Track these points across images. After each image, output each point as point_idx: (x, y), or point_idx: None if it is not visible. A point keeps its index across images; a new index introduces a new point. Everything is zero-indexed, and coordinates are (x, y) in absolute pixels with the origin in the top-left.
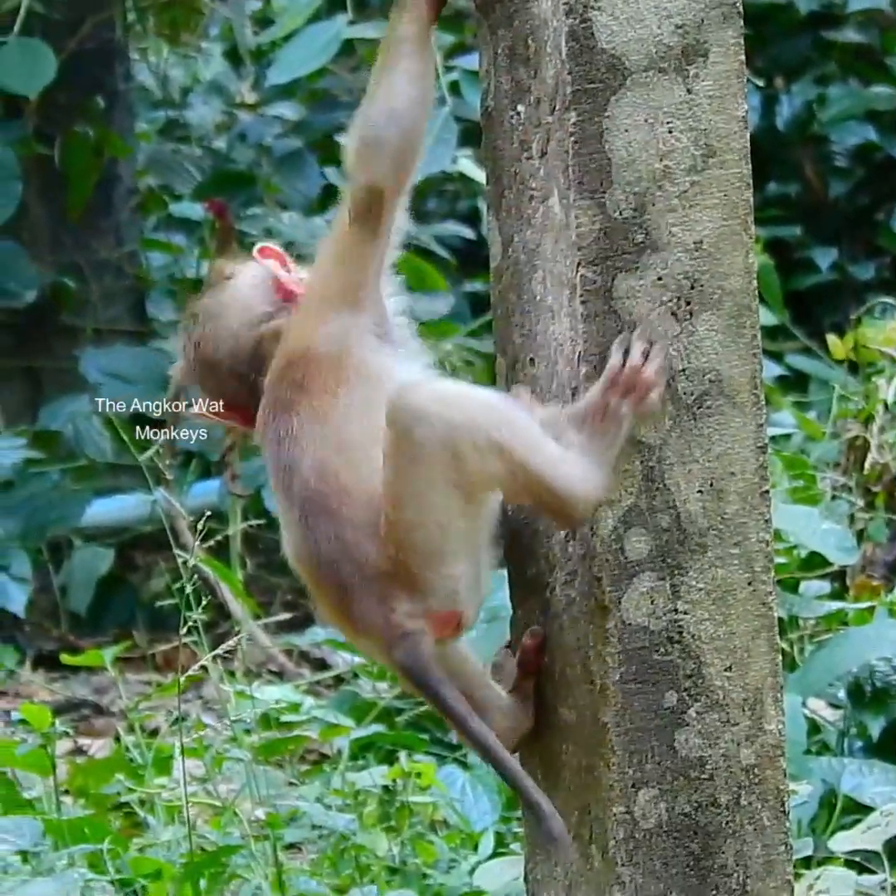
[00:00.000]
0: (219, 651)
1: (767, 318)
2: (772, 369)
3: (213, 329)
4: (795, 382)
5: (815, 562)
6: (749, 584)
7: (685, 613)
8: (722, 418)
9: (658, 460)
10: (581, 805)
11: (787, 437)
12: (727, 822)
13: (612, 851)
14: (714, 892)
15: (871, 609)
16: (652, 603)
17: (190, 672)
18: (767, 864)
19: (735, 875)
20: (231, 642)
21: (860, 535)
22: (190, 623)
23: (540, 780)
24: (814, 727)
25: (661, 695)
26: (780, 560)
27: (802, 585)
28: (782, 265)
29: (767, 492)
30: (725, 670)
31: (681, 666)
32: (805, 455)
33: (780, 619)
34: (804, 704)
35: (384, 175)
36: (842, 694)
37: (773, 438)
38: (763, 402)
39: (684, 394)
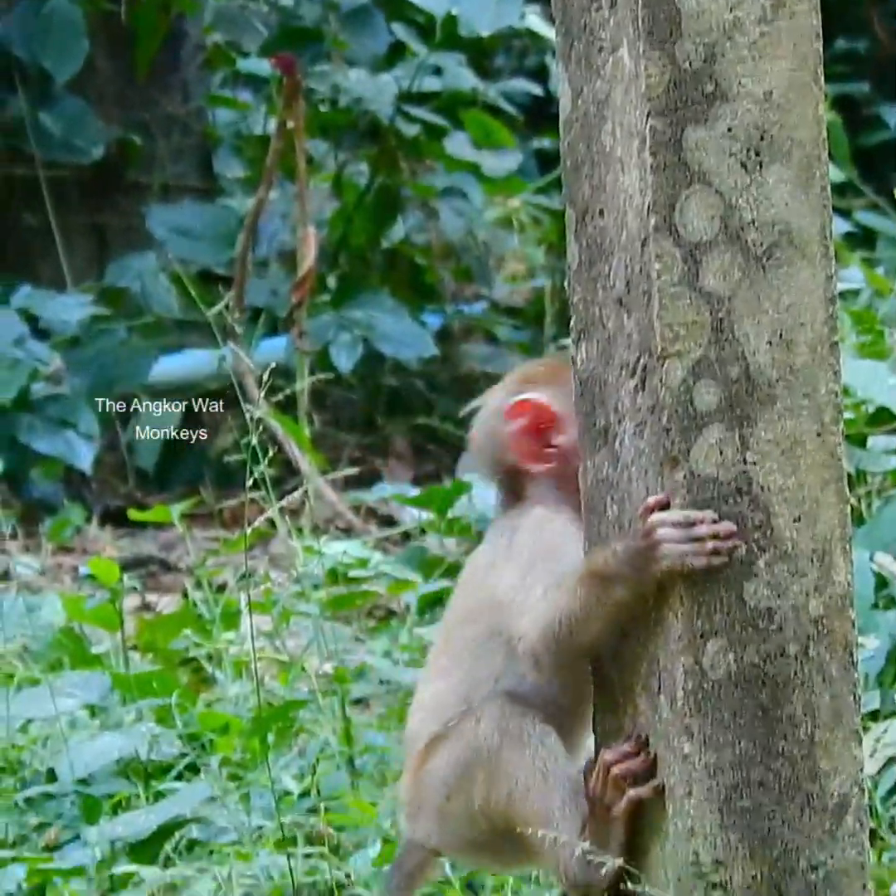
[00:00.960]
0: (284, 502)
1: (835, 174)
2: (840, 226)
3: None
4: (864, 239)
5: (882, 417)
6: (818, 435)
7: (754, 464)
8: (791, 269)
9: (727, 311)
10: (649, 656)
11: (856, 293)
12: (795, 673)
13: (681, 702)
14: (782, 743)
15: None
16: (721, 454)
17: (256, 526)
18: (835, 715)
19: (803, 725)
20: (297, 494)
21: None
22: (256, 476)
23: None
24: (881, 582)
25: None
26: (847, 415)
27: (870, 440)
28: (850, 122)
29: (836, 343)
30: (794, 521)
31: (749, 517)
32: (873, 311)
33: (848, 474)
34: (872, 559)
35: None
36: None
37: (841, 294)
38: (832, 254)
39: (754, 245)
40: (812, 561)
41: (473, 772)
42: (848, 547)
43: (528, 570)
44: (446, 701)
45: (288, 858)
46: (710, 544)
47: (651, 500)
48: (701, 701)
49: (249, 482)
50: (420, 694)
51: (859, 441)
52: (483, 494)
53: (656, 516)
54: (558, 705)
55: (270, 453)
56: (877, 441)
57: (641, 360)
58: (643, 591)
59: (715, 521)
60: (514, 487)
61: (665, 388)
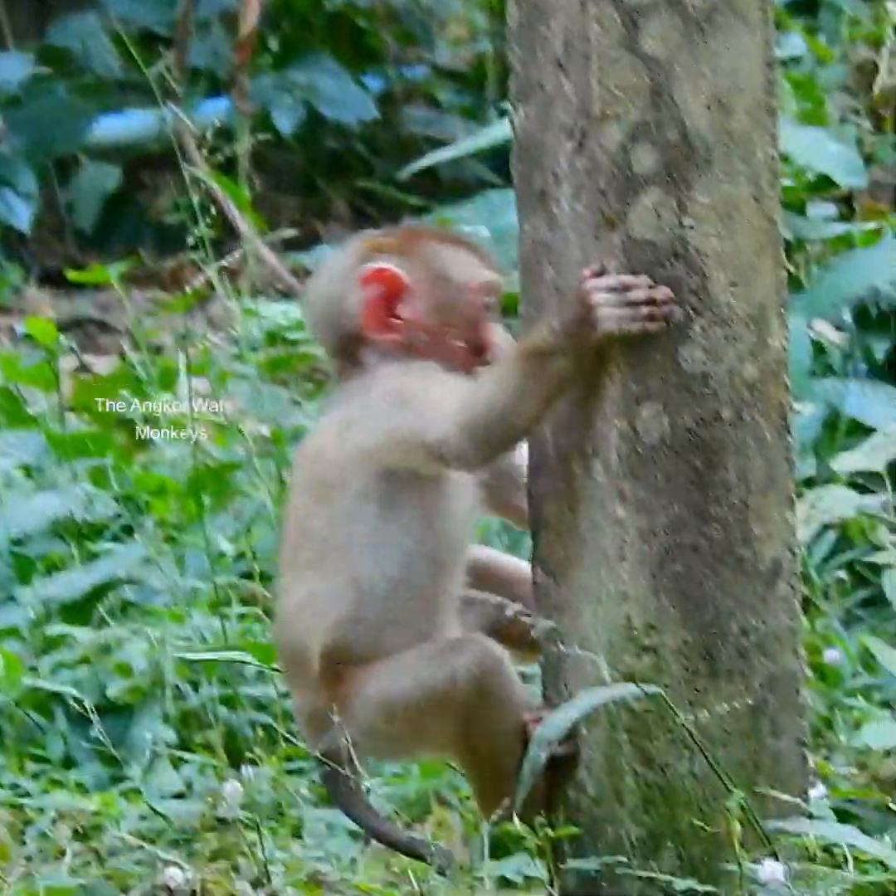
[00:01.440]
0: (224, 262)
1: None
2: None
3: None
4: (806, 6)
5: (822, 185)
6: (755, 200)
7: (691, 228)
8: (730, 34)
9: (666, 75)
10: (584, 420)
11: (797, 60)
12: (729, 438)
13: (615, 466)
14: (715, 507)
15: (878, 232)
16: (658, 218)
17: (195, 288)
18: (769, 481)
19: (736, 490)
20: (236, 254)
21: (868, 159)
22: (195, 237)
23: (545, 440)
24: (819, 349)
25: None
26: (787, 182)
27: (810, 208)
28: None
29: (775, 108)
30: (730, 285)
31: (686, 281)
32: (814, 78)
33: (787, 242)
34: (810, 327)
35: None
36: (847, 317)
37: (782, 62)
38: (772, 19)
39: (693, 9)
40: (748, 326)
41: (438, 709)
42: (783, 312)
43: (417, 395)
44: (339, 598)
45: (221, 620)
46: (645, 309)
47: (587, 269)
48: (635, 465)
49: (189, 242)
50: (292, 594)
51: (799, 208)
52: None
53: (592, 282)
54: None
55: (210, 215)
56: (816, 208)
57: (579, 123)
58: (582, 362)
59: (651, 287)
60: (352, 356)
61: (603, 151)
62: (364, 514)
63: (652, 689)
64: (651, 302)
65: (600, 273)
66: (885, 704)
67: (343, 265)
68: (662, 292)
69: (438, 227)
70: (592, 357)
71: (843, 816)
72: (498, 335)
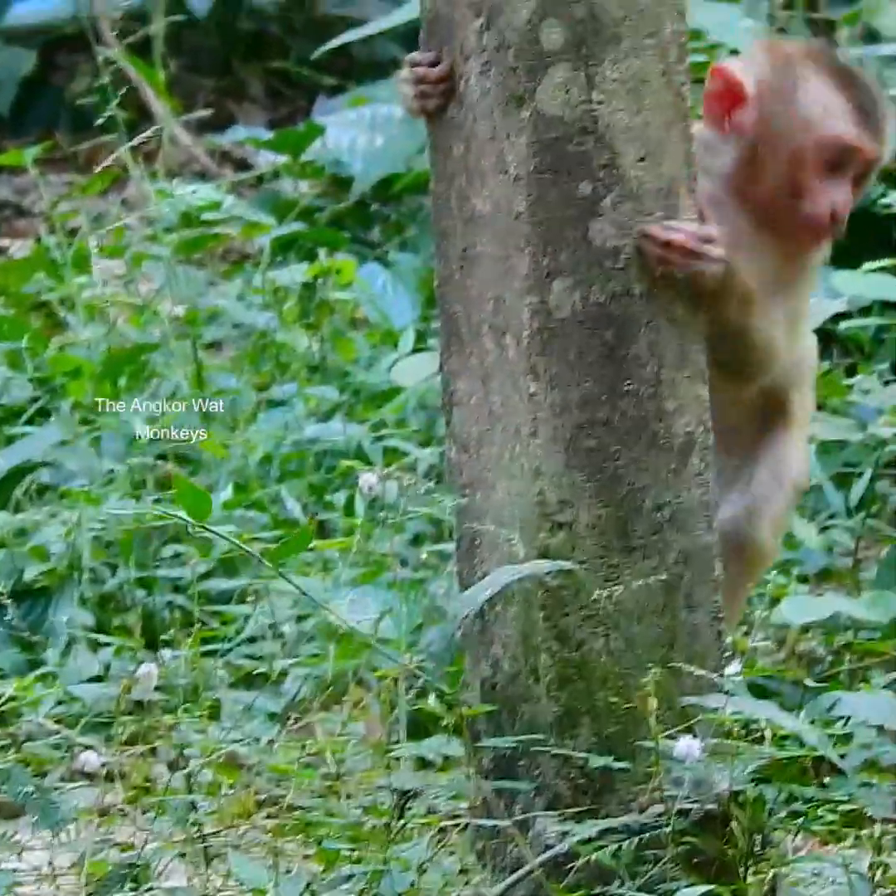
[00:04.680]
0: (138, 141)
1: None
2: None
3: None
4: None
5: None
6: (663, 75)
7: (600, 104)
8: None
9: None
10: (496, 295)
11: None
12: (641, 312)
13: (527, 341)
14: (628, 382)
15: None
16: (567, 94)
17: (110, 168)
18: (681, 355)
19: (649, 365)
20: (149, 132)
21: (779, 34)
22: (109, 118)
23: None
24: None
25: (575, 185)
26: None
27: None
28: None
29: None
30: (639, 160)
31: (595, 156)
32: None
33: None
34: None
35: None
36: None
37: None
38: None
39: None
40: (657, 200)
41: None
42: (692, 187)
43: None
44: None
45: (137, 502)
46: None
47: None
48: (547, 340)
49: (100, 121)
50: None
51: None
52: (336, 136)
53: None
54: None
55: (124, 95)
56: None
57: (488, 1)
58: None
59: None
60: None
61: (511, 27)
62: None
63: (566, 565)
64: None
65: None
66: (804, 580)
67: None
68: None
69: (847, 59)
70: None
71: (760, 692)
72: (841, 201)
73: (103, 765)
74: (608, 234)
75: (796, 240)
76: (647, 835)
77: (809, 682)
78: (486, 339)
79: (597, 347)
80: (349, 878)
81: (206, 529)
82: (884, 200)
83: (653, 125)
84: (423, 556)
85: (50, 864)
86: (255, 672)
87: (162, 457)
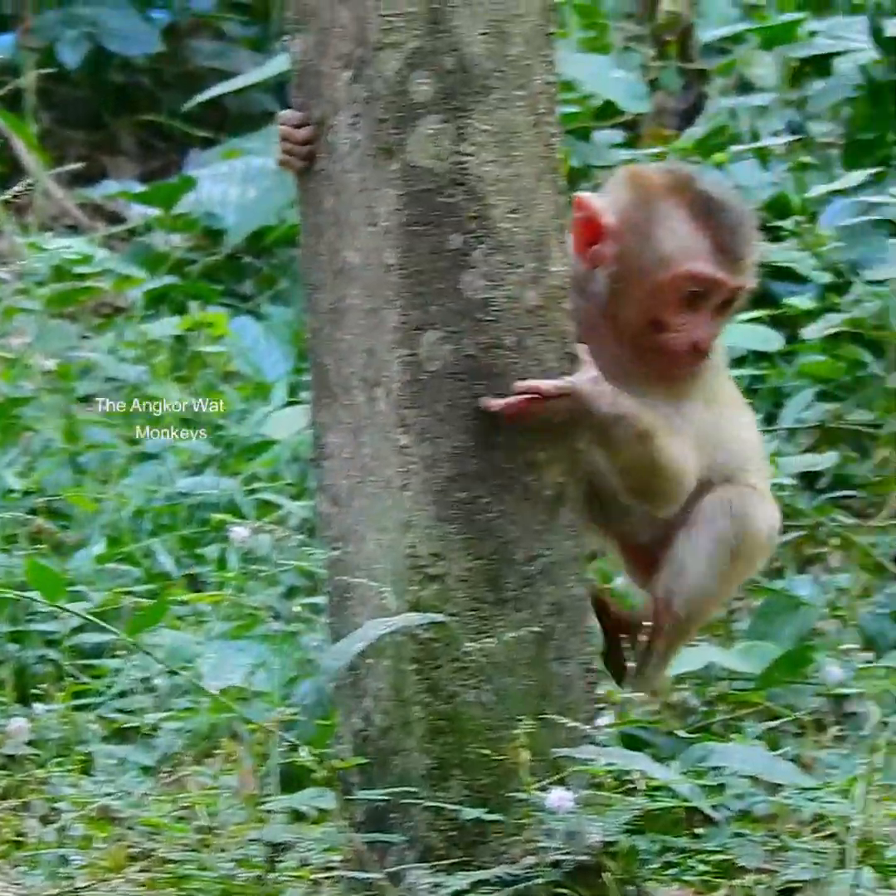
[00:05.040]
0: (9, 195)
1: None
2: None
3: None
4: None
5: (608, 112)
6: (533, 126)
7: (470, 155)
8: None
9: (442, 2)
10: (366, 348)
11: None
12: (512, 364)
13: (397, 394)
14: (498, 434)
15: (663, 157)
16: (436, 145)
17: None
18: None
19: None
20: (20, 186)
21: (652, 85)
22: None
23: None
24: None
25: (445, 237)
26: (572, 109)
27: (595, 134)
28: None
29: (551, 34)
30: (510, 212)
31: (465, 208)
32: (597, 5)
33: (573, 168)
34: None
35: None
36: None
37: None
38: None
39: None
40: (528, 252)
41: None
42: (563, 238)
43: None
44: None
45: (8, 556)
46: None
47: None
48: (417, 393)
49: None
50: None
51: (584, 135)
52: (208, 188)
53: None
54: None
55: None
56: (602, 135)
57: (357, 52)
58: None
59: None
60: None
61: (380, 78)
62: None
63: (437, 617)
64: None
65: None
66: None
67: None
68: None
69: (712, 186)
70: None
71: (633, 743)
72: (701, 336)
73: None
74: (479, 286)
75: (663, 368)
76: (520, 886)
77: (682, 733)
78: (356, 392)
79: (468, 400)
80: None
81: (61, 608)
82: None
83: (523, 176)
84: (296, 609)
85: None
86: (127, 725)
87: (33, 512)
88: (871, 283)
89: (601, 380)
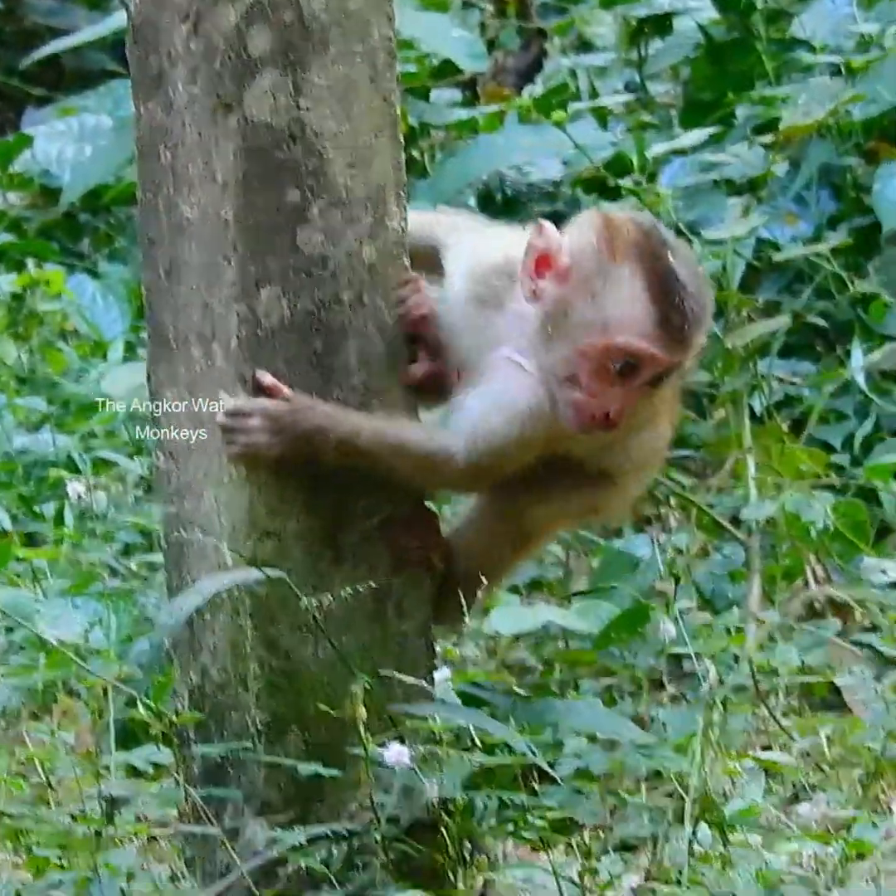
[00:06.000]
0: None
1: None
2: None
3: None
4: None
5: (446, 70)
6: (371, 80)
7: (308, 110)
8: None
9: None
10: (203, 304)
11: None
12: (350, 320)
13: (235, 349)
14: (337, 389)
15: (501, 116)
16: (274, 100)
17: None
18: (389, 364)
19: (357, 372)
20: None
21: (491, 43)
22: None
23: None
24: None
25: (283, 192)
26: (410, 68)
27: (433, 93)
28: None
29: None
30: (348, 167)
31: (303, 163)
32: None
33: (412, 128)
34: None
35: None
36: (472, 201)
37: None
38: None
39: None
40: (366, 207)
41: None
42: (401, 193)
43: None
44: None
45: None
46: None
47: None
48: (255, 349)
49: None
50: None
51: (423, 94)
52: (45, 147)
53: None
54: None
55: None
56: (440, 94)
57: (194, 5)
58: None
59: None
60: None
61: (218, 32)
62: None
63: (275, 573)
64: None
65: None
66: (515, 590)
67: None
68: None
69: (680, 262)
70: None
71: (472, 701)
72: (617, 408)
73: None
74: (316, 241)
75: (558, 415)
76: (357, 842)
77: (519, 690)
78: (193, 348)
79: (306, 355)
80: (59, 884)
81: None
82: None
83: (361, 132)
84: (133, 566)
85: None
86: None
87: None
88: (710, 242)
89: (297, 398)
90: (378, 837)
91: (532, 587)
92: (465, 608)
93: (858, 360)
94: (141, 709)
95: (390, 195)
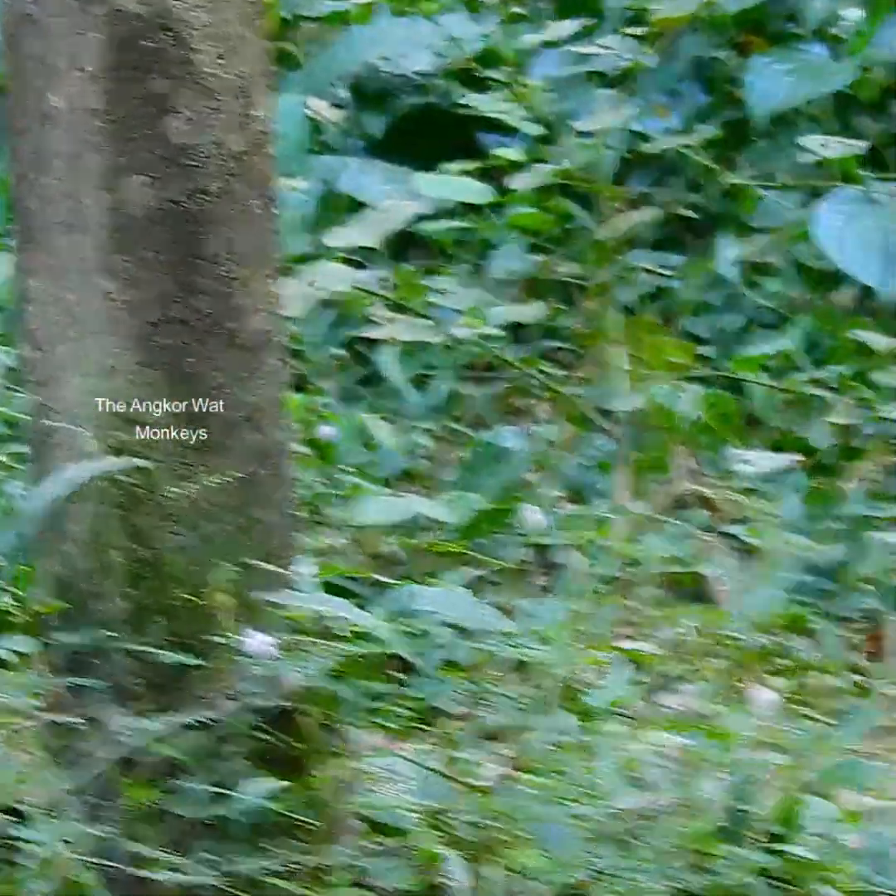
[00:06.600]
0: None
1: None
2: None
3: None
4: None
5: None
6: None
7: (177, 1)
8: None
9: None
10: (71, 193)
11: None
12: (217, 210)
13: (102, 239)
14: (203, 279)
15: (372, 7)
16: None
17: None
18: (256, 252)
19: (224, 262)
20: None
21: None
22: None
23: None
24: (315, 127)
25: (151, 82)
26: None
27: None
28: None
29: None
30: (216, 58)
31: (171, 53)
32: None
33: (284, 19)
34: (306, 104)
35: None
36: (344, 93)
37: None
38: None
39: None
40: (234, 97)
41: None
42: (269, 83)
43: None
44: None
45: None
46: None
47: None
48: (122, 238)
49: None
50: None
51: None
52: None
53: None
54: None
55: None
56: None
57: None
58: None
59: None
60: None
61: None
62: None
63: (139, 462)
64: None
65: None
66: (384, 481)
67: None
68: None
69: None
70: None
71: (339, 592)
72: None
73: None
74: (184, 131)
75: None
76: (220, 731)
77: (385, 579)
78: (60, 237)
79: (172, 245)
80: None
81: None
82: (464, 102)
83: (229, 22)
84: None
85: None
86: None
87: None
88: (581, 134)
89: None
90: (241, 726)
91: (401, 478)
92: None
93: (728, 253)
94: (4, 598)
95: (257, 84)
